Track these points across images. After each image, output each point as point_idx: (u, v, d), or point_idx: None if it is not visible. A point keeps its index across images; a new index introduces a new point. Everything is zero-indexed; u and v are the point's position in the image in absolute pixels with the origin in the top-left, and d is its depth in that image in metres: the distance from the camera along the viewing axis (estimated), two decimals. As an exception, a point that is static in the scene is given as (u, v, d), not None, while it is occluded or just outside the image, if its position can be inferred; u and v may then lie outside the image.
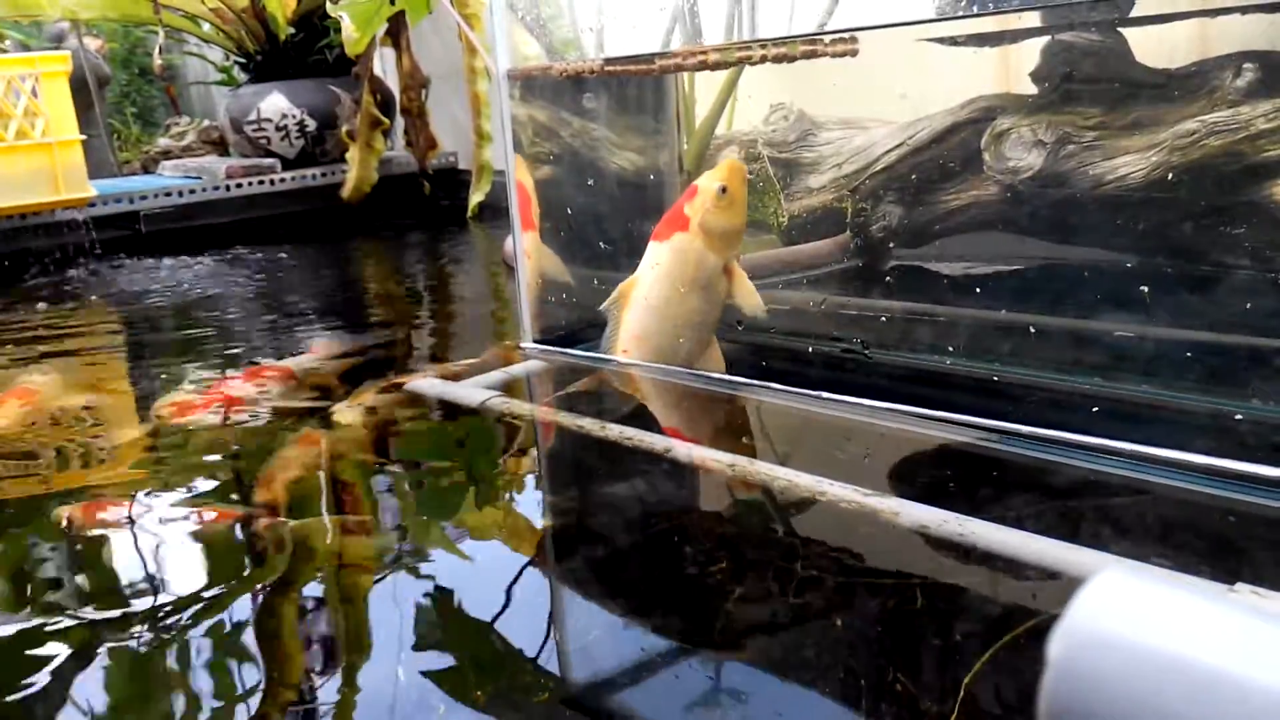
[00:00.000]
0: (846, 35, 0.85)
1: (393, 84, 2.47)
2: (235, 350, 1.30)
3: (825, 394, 0.86)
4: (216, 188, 2.34)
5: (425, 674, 0.52)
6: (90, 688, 0.52)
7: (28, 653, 0.56)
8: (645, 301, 0.98)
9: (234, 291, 1.75)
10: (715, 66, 0.95)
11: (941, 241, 0.90)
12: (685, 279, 0.95)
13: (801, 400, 0.88)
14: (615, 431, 0.83)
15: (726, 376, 0.94)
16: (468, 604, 0.60)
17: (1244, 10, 0.70)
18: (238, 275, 1.92)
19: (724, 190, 0.92)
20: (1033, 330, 0.83)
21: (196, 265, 2.05)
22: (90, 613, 0.60)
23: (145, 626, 0.58)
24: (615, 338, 1.01)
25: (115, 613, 0.60)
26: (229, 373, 1.14)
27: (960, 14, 0.80)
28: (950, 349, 0.89)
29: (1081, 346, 0.81)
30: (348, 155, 2.35)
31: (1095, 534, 0.61)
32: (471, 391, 0.97)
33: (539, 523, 0.72)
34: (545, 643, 0.55)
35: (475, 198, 2.32)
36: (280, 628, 0.58)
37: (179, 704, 0.51)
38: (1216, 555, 0.59)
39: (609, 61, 1.03)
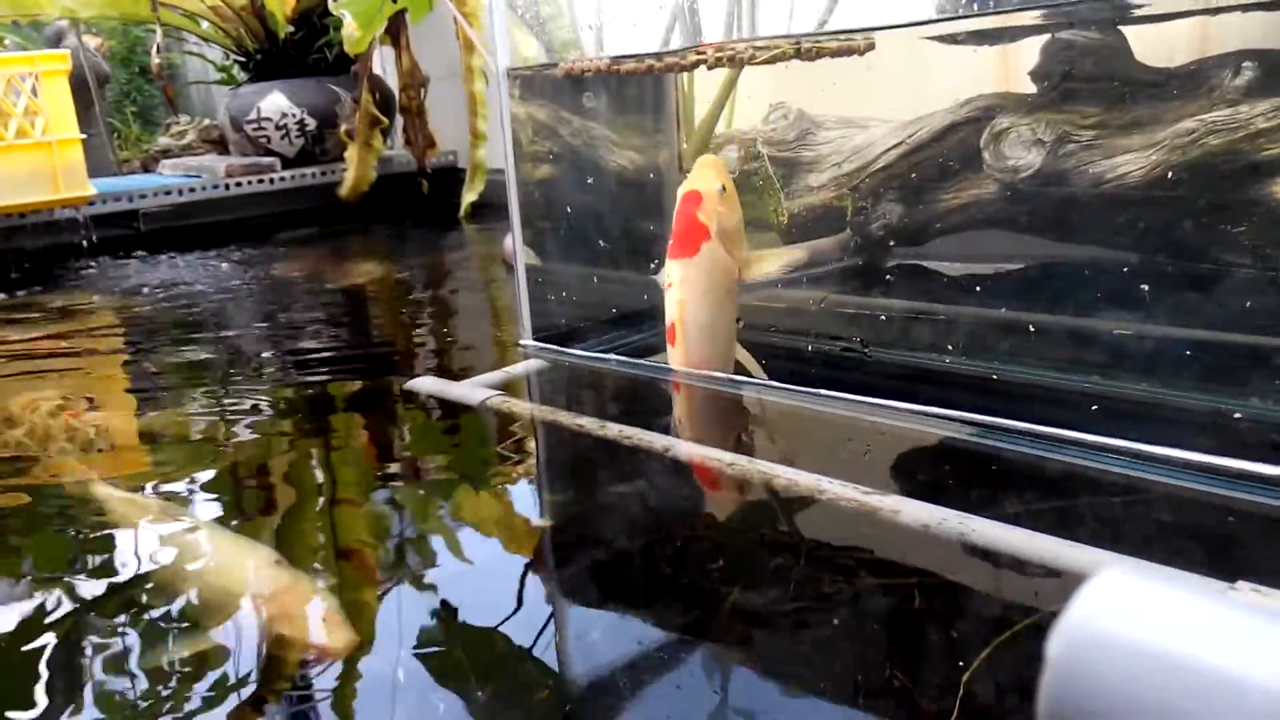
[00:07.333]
0: (856, 35, 0.85)
1: (392, 83, 2.47)
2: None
3: (825, 392, 0.86)
4: (216, 186, 2.34)
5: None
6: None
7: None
8: (695, 328, 0.92)
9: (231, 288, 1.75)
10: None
11: (941, 240, 0.90)
12: (722, 288, 0.92)
13: (801, 399, 0.88)
14: (614, 430, 0.83)
15: (725, 376, 0.94)
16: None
17: (1244, 9, 0.70)
18: (231, 273, 1.92)
19: (723, 190, 0.90)
20: (1032, 329, 0.83)
21: (191, 263, 2.05)
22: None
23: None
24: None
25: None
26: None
27: (960, 13, 0.80)
28: (950, 348, 0.89)
29: (1081, 345, 0.81)
30: (346, 154, 2.35)
31: (1095, 532, 0.61)
32: (471, 390, 0.97)
33: (538, 521, 0.72)
34: (544, 642, 0.55)
35: (468, 197, 2.32)
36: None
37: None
38: (1217, 553, 0.59)
39: (614, 60, 1.03)
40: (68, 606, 0.61)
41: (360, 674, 0.52)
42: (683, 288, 0.92)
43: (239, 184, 2.35)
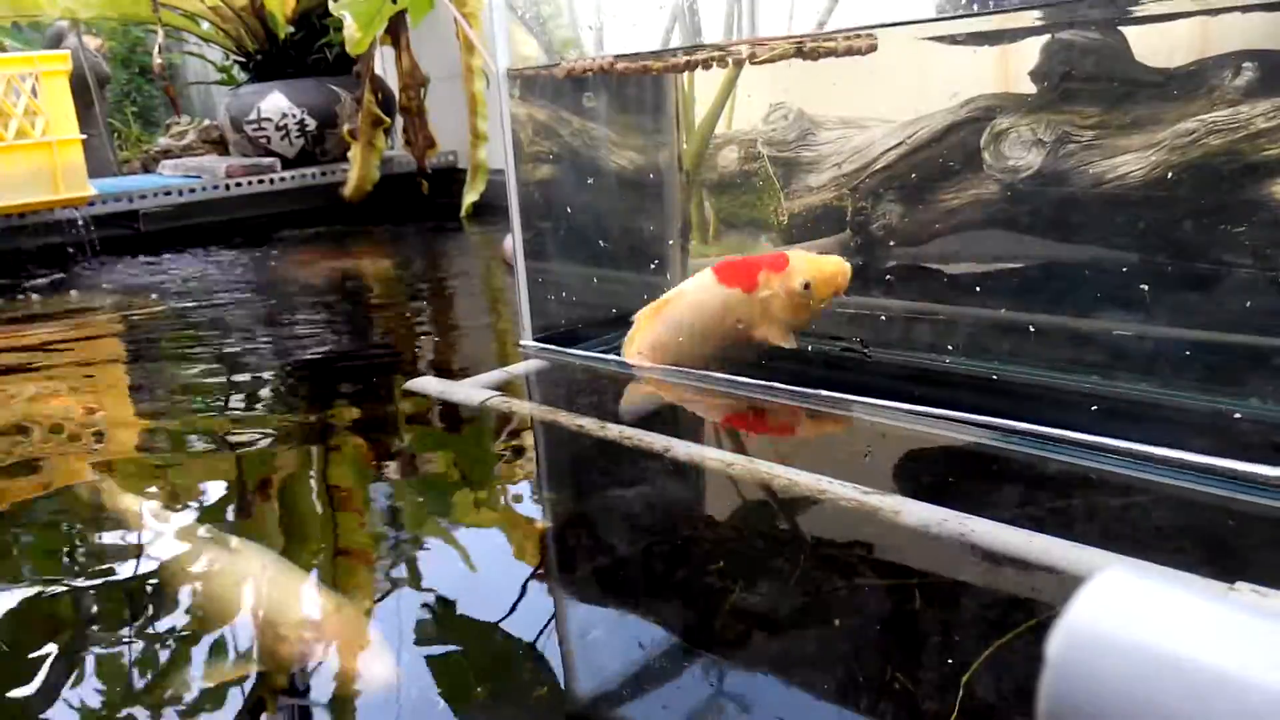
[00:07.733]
0: (864, 33, 0.85)
1: (392, 83, 2.47)
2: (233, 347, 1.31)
3: (825, 393, 0.86)
4: (216, 187, 2.34)
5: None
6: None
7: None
8: (676, 323, 0.94)
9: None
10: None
11: (941, 240, 0.90)
12: (720, 330, 0.93)
13: (801, 400, 0.88)
14: (615, 431, 0.83)
15: (725, 376, 0.94)
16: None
17: (1244, 9, 0.70)
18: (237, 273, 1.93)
19: (807, 287, 0.88)
20: (1032, 329, 0.83)
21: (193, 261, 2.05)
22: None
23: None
24: (634, 337, 0.99)
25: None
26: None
27: (961, 13, 0.80)
28: (950, 348, 0.89)
29: (1081, 345, 0.81)
30: (350, 154, 2.35)
31: (1095, 532, 0.61)
32: (471, 391, 0.97)
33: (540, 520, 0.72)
34: (545, 642, 0.55)
35: (469, 197, 2.32)
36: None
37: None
38: (1217, 554, 0.59)
39: (615, 58, 1.03)
40: (99, 625, 0.61)
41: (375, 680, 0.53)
42: (689, 291, 0.93)
43: (239, 184, 2.35)
